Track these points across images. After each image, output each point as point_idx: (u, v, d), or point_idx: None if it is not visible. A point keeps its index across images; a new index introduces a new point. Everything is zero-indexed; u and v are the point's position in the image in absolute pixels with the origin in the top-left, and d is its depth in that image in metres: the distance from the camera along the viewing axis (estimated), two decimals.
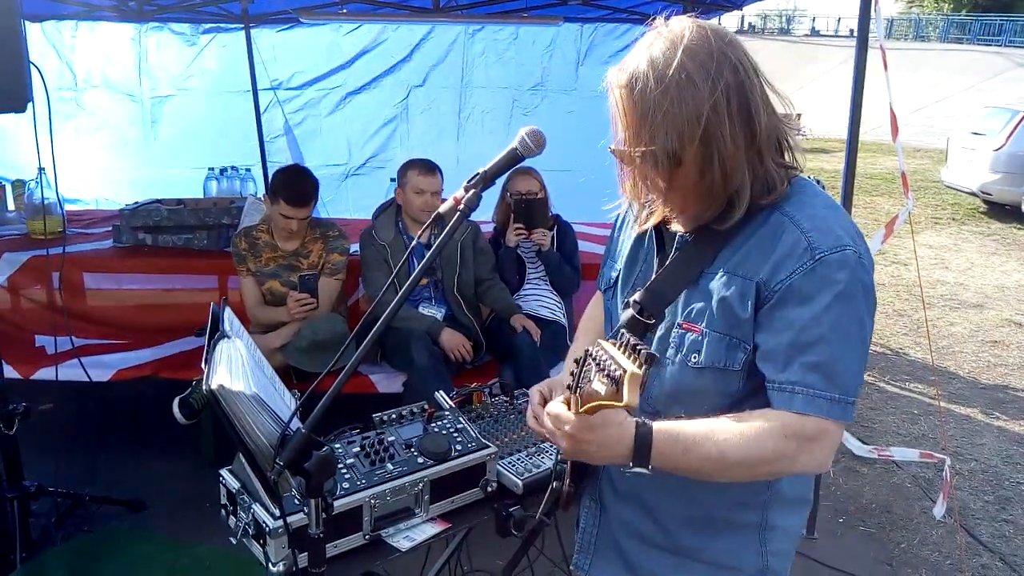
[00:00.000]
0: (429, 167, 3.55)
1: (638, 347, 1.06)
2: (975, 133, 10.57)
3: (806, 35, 37.23)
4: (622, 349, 1.08)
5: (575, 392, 1.14)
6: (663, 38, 1.20)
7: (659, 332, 1.33)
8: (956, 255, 8.55)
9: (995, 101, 12.19)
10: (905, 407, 4.75)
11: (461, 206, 1.39)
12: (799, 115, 16.76)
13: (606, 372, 1.07)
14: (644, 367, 1.04)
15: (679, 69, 1.16)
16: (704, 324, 1.27)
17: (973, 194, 10.54)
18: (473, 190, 1.39)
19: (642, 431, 1.18)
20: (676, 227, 1.34)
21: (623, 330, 1.27)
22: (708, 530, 1.38)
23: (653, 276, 1.35)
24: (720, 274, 1.26)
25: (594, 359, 1.11)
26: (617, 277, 1.47)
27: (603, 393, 1.07)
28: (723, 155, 1.18)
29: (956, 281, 7.52)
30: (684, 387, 1.29)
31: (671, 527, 1.39)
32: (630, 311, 1.33)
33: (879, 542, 3.39)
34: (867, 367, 4.83)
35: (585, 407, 1.10)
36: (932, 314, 6.47)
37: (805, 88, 20.66)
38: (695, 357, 1.27)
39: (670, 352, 1.30)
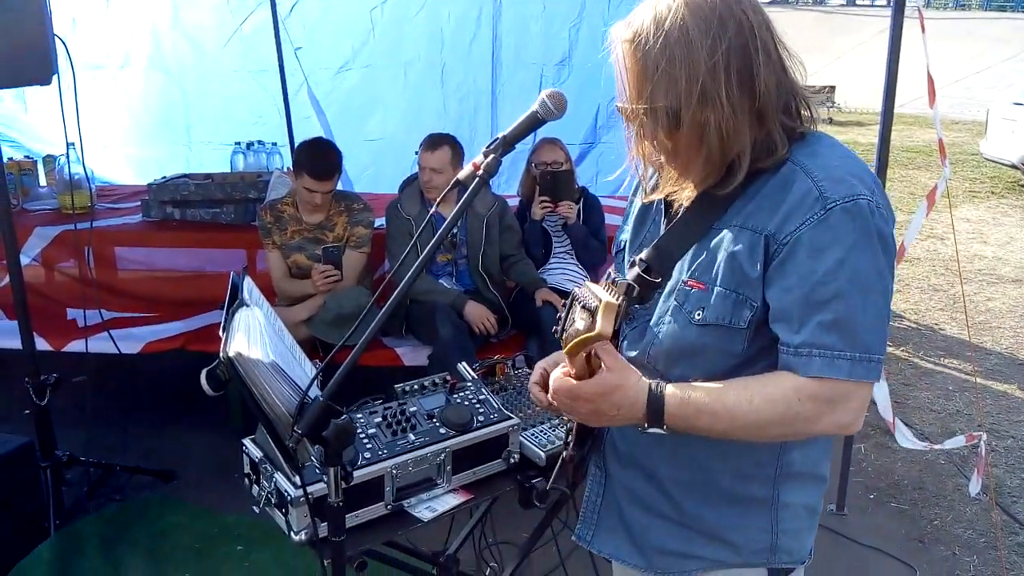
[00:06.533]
0: (432, 142, 3.48)
1: (616, 280, 1.07)
2: (1016, 104, 10.23)
3: (841, 5, 36.35)
4: (604, 285, 1.09)
5: (562, 336, 1.13)
6: None
7: (665, 290, 1.29)
8: (995, 229, 8.32)
9: None
10: (940, 383, 4.65)
11: (480, 171, 1.36)
12: (833, 87, 16.37)
13: (584, 306, 1.08)
14: (621, 297, 1.05)
15: (679, 26, 1.13)
16: (710, 281, 1.22)
17: (1013, 167, 10.21)
18: (493, 155, 1.35)
19: (654, 393, 1.19)
20: (684, 198, 1.28)
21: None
22: (712, 500, 1.32)
23: (660, 235, 1.31)
24: (728, 229, 1.22)
25: (577, 299, 1.12)
26: (626, 240, 1.44)
27: (582, 328, 1.07)
28: (720, 119, 1.14)
29: (995, 255, 7.33)
30: (686, 344, 1.25)
31: (674, 494, 1.34)
32: (635, 270, 1.29)
33: (911, 519, 3.33)
34: (901, 342, 4.70)
35: (568, 346, 1.10)
36: (969, 289, 6.31)
37: (840, 60, 20.17)
38: (699, 313, 1.22)
39: (673, 309, 1.26)
